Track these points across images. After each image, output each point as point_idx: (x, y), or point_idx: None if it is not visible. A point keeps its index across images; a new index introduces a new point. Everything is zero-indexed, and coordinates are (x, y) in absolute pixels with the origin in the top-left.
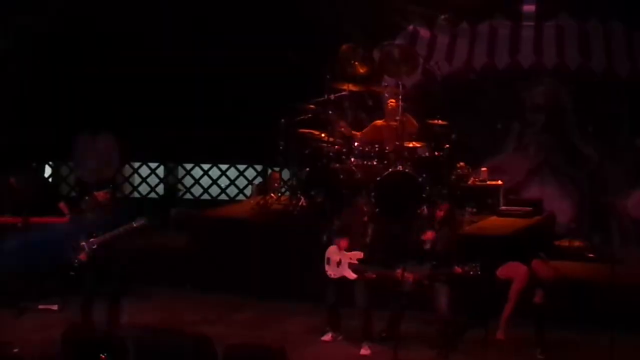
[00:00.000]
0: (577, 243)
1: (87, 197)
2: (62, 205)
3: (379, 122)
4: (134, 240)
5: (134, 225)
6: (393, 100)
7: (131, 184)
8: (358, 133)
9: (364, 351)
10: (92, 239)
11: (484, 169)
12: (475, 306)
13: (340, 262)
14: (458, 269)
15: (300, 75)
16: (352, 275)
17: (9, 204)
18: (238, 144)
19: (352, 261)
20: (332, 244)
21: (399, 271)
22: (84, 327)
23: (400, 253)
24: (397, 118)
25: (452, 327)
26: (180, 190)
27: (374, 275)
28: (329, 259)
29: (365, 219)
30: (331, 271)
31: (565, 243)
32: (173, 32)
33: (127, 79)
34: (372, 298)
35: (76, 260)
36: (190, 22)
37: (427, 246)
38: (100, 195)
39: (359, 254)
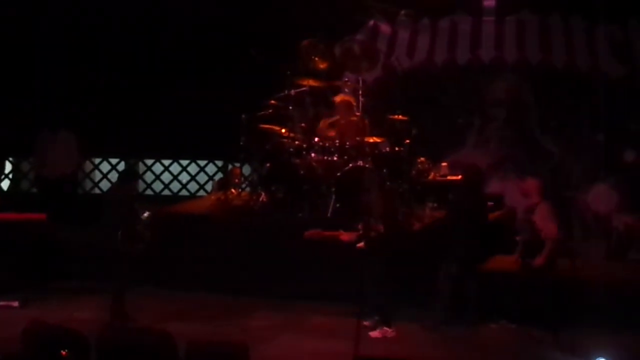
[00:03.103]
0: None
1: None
2: None
3: (334, 118)
4: None
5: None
6: (342, 96)
7: (92, 180)
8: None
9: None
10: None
11: (444, 164)
12: None
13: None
14: None
15: (262, 70)
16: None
17: None
18: (199, 139)
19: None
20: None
21: None
22: (121, 321)
23: None
24: (357, 114)
25: None
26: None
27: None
28: None
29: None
30: None
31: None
32: (131, 27)
33: (89, 73)
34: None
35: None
36: (149, 18)
37: None
38: None
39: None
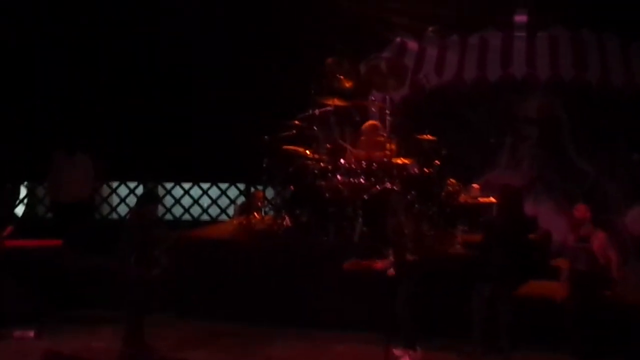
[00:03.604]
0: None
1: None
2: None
3: (362, 138)
4: None
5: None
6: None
7: (109, 205)
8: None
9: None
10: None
11: (475, 185)
12: None
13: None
14: None
15: (285, 90)
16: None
17: None
18: (220, 161)
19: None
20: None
21: None
22: (138, 350)
23: None
24: (384, 134)
25: None
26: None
27: None
28: None
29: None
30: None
31: (561, 263)
32: (152, 46)
33: (106, 94)
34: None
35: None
36: (170, 38)
37: None
38: None
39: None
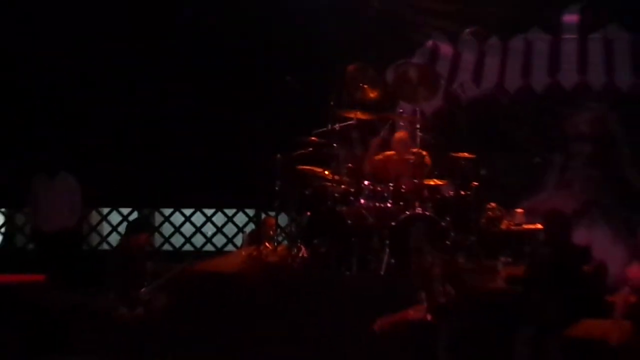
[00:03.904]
0: (633, 299)
1: None
2: None
3: (389, 153)
4: None
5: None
6: (400, 133)
7: (99, 234)
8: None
9: None
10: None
11: (519, 210)
12: None
13: None
14: None
15: (299, 102)
16: None
17: None
18: (226, 184)
19: None
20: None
21: None
22: None
23: None
24: (414, 150)
25: None
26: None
27: None
28: None
29: None
30: None
31: (618, 298)
32: (146, 51)
33: (94, 107)
34: None
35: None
36: (166, 42)
37: None
38: None
39: None
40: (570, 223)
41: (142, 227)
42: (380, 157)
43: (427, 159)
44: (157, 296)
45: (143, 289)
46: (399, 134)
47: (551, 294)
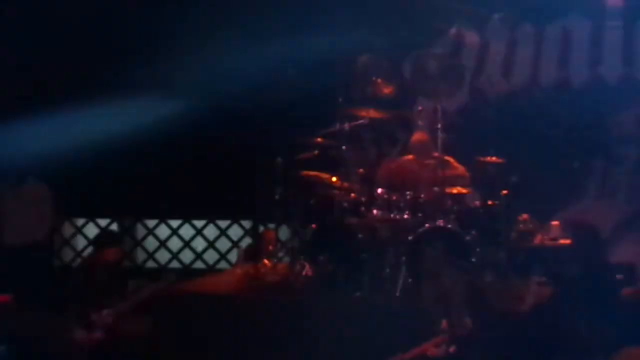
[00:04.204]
0: None
1: None
2: None
3: (407, 158)
4: None
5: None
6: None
7: (73, 248)
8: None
9: None
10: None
11: (555, 223)
12: None
13: None
14: None
15: (303, 97)
16: None
17: None
18: (219, 192)
19: None
20: None
21: None
22: None
23: None
24: (435, 155)
25: None
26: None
27: None
28: None
29: None
30: None
31: None
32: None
33: (66, 101)
34: None
35: None
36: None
37: None
38: None
39: None
40: (599, 237)
41: (112, 241)
42: (396, 162)
43: (455, 165)
44: (124, 319)
45: (105, 311)
46: (418, 135)
47: (580, 322)
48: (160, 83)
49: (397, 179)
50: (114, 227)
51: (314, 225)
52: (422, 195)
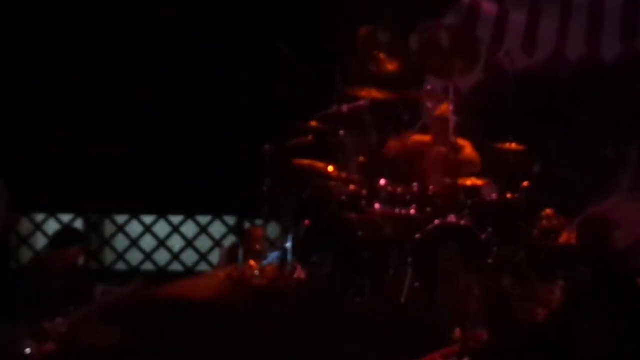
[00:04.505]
0: None
1: None
2: None
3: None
4: None
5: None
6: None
7: (31, 247)
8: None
9: None
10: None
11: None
12: None
13: None
14: None
15: (294, 76)
16: None
17: None
18: (198, 184)
19: None
20: None
21: None
22: None
23: None
24: (449, 140)
25: None
26: None
27: None
28: None
29: None
30: None
31: None
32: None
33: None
34: None
35: None
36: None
37: None
38: None
39: None
40: (611, 232)
41: (73, 239)
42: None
43: (471, 153)
44: (83, 329)
45: (59, 319)
46: (442, 110)
47: (598, 330)
48: (131, 66)
49: (404, 164)
50: (78, 223)
51: (307, 222)
52: (431, 187)
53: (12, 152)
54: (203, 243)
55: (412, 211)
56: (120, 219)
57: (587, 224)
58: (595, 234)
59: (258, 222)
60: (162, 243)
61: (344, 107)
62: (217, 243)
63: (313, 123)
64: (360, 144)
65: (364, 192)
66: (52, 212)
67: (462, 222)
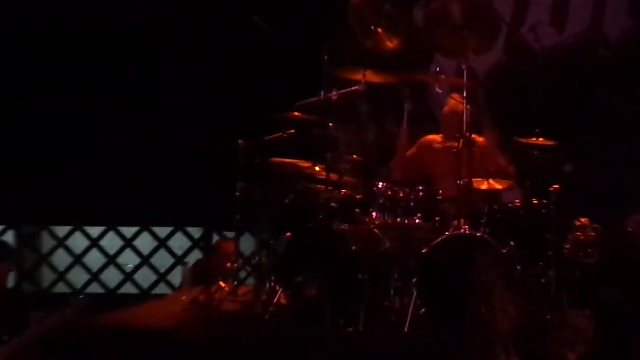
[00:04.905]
0: None
1: None
2: None
3: (432, 137)
4: None
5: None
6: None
7: None
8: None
9: None
10: None
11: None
12: None
13: None
14: None
15: (274, 56)
16: None
17: None
18: (157, 189)
19: None
20: None
21: None
22: None
23: None
24: (458, 135)
25: None
26: None
27: None
28: None
29: None
30: None
31: None
32: None
33: None
34: None
35: None
36: None
37: None
38: None
39: None
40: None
41: (2, 255)
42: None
43: (488, 148)
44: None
45: None
46: (454, 102)
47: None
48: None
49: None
50: (8, 236)
51: (289, 234)
52: (441, 192)
53: None
54: (162, 260)
55: (417, 221)
56: (61, 231)
57: (621, 239)
58: (629, 253)
59: (229, 234)
60: (112, 260)
61: (334, 94)
62: (179, 260)
63: (295, 114)
64: (354, 139)
65: (358, 197)
66: None
67: (479, 234)
